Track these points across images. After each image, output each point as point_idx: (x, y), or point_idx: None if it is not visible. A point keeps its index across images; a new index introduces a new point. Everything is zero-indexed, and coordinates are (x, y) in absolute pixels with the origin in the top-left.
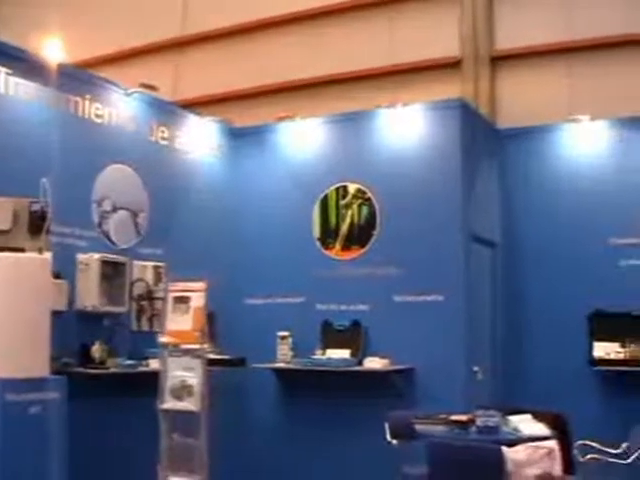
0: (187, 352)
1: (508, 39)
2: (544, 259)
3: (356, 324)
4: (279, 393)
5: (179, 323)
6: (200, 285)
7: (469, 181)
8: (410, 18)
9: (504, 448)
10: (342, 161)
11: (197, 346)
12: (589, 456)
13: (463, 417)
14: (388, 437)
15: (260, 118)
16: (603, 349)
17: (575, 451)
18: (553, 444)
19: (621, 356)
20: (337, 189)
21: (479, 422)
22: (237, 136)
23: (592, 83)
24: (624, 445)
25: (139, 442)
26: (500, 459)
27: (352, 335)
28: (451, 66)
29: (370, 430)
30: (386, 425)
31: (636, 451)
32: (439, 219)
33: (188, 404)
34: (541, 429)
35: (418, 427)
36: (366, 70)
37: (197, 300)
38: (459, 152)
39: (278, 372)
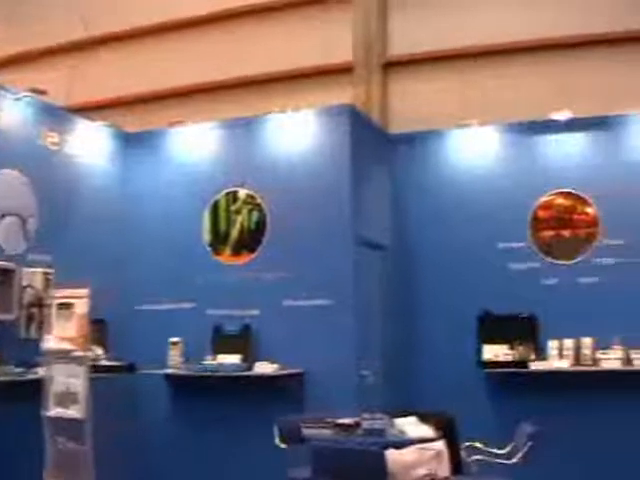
0: (71, 359)
1: (401, 45)
2: (435, 262)
3: (247, 329)
4: (170, 399)
5: (64, 330)
6: (83, 291)
7: (359, 186)
8: (304, 23)
9: (392, 451)
10: (233, 166)
11: (81, 353)
12: (474, 457)
13: (350, 421)
14: (277, 441)
15: (153, 123)
16: (492, 351)
17: (462, 452)
18: (441, 445)
19: (510, 358)
20: (227, 194)
21: (365, 425)
22: (129, 141)
23: (482, 89)
24: (509, 445)
25: (27, 449)
26: (382, 462)
27: (243, 340)
28: (344, 72)
29: (261, 434)
30: (275, 429)
31: (520, 451)
32: (328, 224)
33: (73, 411)
34: (426, 431)
35: (306, 431)
36: (260, 75)
37: (81, 306)
38: (348, 157)
39: (169, 378)
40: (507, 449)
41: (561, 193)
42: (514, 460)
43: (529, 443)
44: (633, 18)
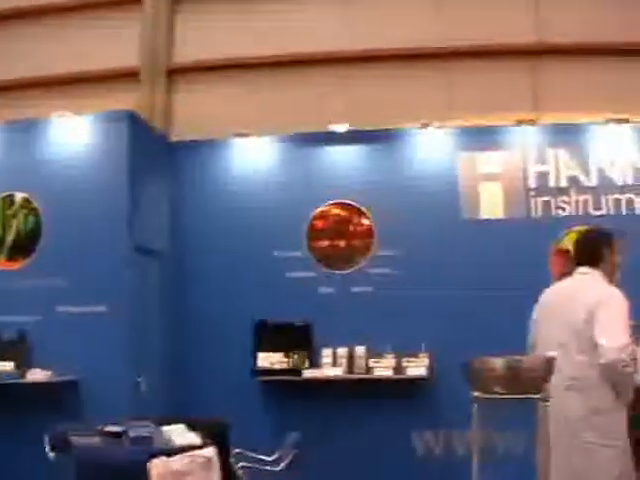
0: None
1: (187, 52)
2: (212, 270)
3: (21, 336)
4: None
5: None
6: None
7: (137, 192)
8: (92, 26)
9: (160, 458)
10: (10, 170)
11: None
12: (241, 464)
13: (117, 429)
14: (47, 450)
15: None
16: (267, 359)
17: (232, 460)
18: (211, 453)
19: (284, 366)
20: (4, 198)
21: (132, 433)
22: None
23: (264, 99)
24: (277, 453)
25: None
26: (144, 470)
27: (17, 347)
28: (130, 77)
29: (33, 443)
30: (46, 438)
31: (287, 458)
32: (104, 230)
33: None
34: (194, 438)
35: (74, 439)
36: (43, 78)
37: None
38: (126, 164)
39: None
40: (274, 456)
41: (338, 204)
42: (280, 467)
43: (295, 450)
44: (415, 35)
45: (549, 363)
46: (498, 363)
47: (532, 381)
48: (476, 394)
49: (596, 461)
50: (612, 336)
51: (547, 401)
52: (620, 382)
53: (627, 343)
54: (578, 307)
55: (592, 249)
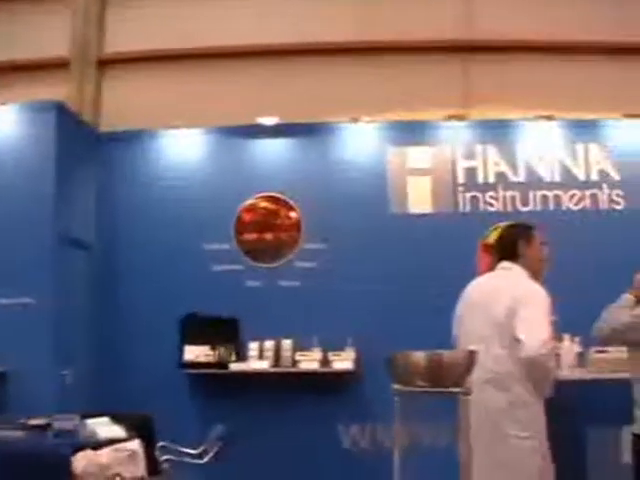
0: None
1: (118, 43)
2: (141, 263)
3: None
4: None
5: None
6: None
7: (64, 183)
8: (20, 16)
9: (85, 452)
10: None
11: None
12: (166, 457)
13: (41, 421)
14: None
15: None
16: (194, 352)
17: (157, 452)
18: (136, 446)
19: (211, 359)
20: None
21: (56, 426)
22: None
23: (195, 91)
24: (202, 445)
25: None
26: (66, 463)
27: None
28: (60, 67)
29: None
30: None
31: (212, 451)
32: (30, 221)
33: None
34: (119, 431)
35: None
36: None
37: None
38: (53, 154)
39: None
40: (200, 449)
41: (266, 197)
42: (205, 460)
43: (219, 443)
44: (346, 29)
45: (470, 357)
46: (420, 357)
47: (453, 375)
48: (397, 387)
49: (517, 453)
50: (533, 331)
51: (468, 394)
52: (541, 377)
53: (548, 338)
54: (499, 302)
55: (510, 244)
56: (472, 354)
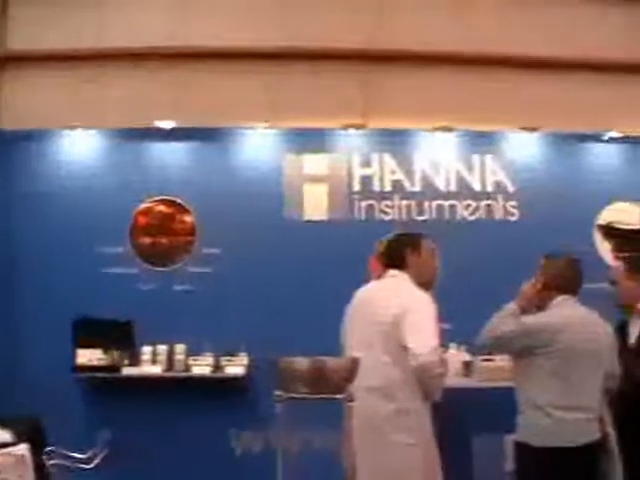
0: None
1: (21, 40)
2: (34, 265)
3: None
4: None
5: None
6: None
7: None
8: None
9: None
10: None
11: None
12: (53, 462)
13: None
14: None
15: None
16: (86, 356)
17: (45, 457)
18: (24, 450)
19: (104, 362)
20: None
21: None
22: None
23: (98, 92)
24: (91, 450)
25: None
26: None
27: None
28: None
29: None
30: None
31: (98, 456)
32: None
33: None
34: (5, 436)
35: None
36: None
37: None
38: None
39: None
40: (88, 454)
41: (162, 201)
42: (92, 464)
43: (107, 448)
44: (252, 34)
45: (353, 364)
46: (303, 363)
47: (336, 381)
48: (279, 393)
49: (403, 460)
50: (421, 339)
51: (351, 401)
52: (430, 384)
53: (436, 345)
54: (385, 309)
55: (398, 253)
56: (355, 361)
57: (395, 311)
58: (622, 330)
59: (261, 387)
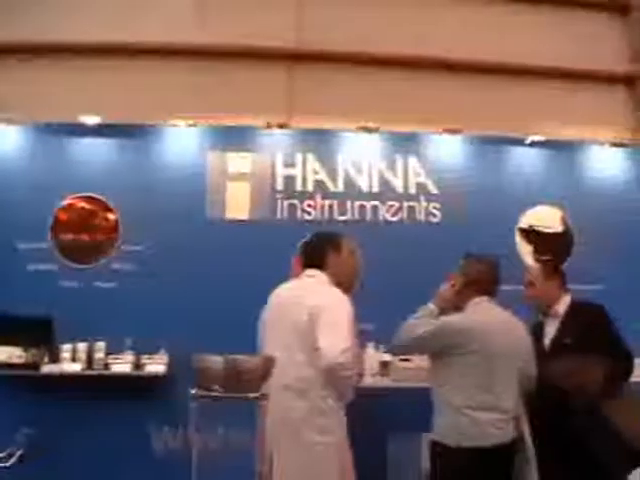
0: None
1: None
2: None
3: None
4: None
5: None
6: None
7: None
8: None
9: None
10: None
11: None
12: None
13: None
14: None
15: None
16: (5, 353)
17: None
18: None
19: (23, 360)
20: None
21: None
22: None
23: (15, 85)
24: (8, 449)
25: None
26: None
27: None
28: None
29: None
30: None
31: (16, 454)
32: None
33: None
34: None
35: None
36: None
37: None
38: None
39: None
40: (5, 452)
41: (84, 197)
42: (9, 463)
43: (23, 447)
44: (178, 31)
45: (267, 363)
46: (217, 361)
47: (250, 380)
48: (193, 392)
49: (317, 460)
50: (332, 340)
51: (265, 400)
52: (340, 384)
53: (347, 347)
54: (302, 309)
55: (317, 252)
56: (271, 360)
57: (310, 311)
58: (537, 331)
59: (181, 386)
